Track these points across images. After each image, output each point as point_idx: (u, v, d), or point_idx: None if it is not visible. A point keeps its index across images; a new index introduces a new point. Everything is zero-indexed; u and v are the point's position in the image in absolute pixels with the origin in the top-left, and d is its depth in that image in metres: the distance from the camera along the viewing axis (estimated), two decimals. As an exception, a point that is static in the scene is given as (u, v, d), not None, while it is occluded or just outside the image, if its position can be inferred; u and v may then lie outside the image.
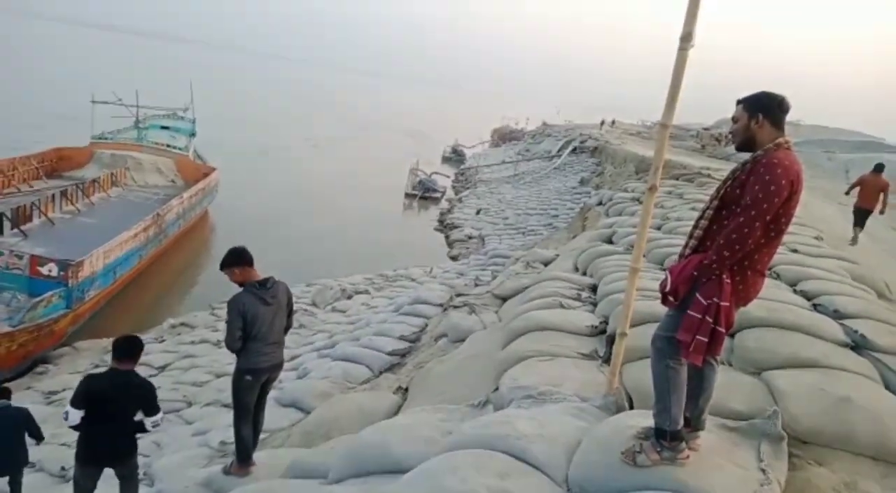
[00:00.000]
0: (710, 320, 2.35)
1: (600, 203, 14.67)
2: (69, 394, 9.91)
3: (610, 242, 8.37)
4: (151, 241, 17.32)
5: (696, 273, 2.41)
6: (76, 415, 4.10)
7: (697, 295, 2.39)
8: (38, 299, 11.60)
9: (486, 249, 19.38)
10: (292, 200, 28.98)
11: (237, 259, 4.40)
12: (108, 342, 12.58)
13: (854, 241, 8.95)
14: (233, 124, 47.56)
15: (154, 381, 10.03)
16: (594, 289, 5.92)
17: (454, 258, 21.02)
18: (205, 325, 12.86)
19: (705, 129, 39.31)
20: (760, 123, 2.42)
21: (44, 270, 12.39)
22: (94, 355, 12.08)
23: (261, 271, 4.52)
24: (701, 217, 2.55)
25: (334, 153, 47.35)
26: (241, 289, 4.38)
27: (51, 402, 9.53)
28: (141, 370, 10.91)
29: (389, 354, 7.71)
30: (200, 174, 23.60)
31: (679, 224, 8.13)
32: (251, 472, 4.42)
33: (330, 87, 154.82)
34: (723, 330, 2.37)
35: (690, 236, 2.57)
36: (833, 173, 22.89)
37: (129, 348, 4.32)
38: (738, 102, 2.51)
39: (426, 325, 8.65)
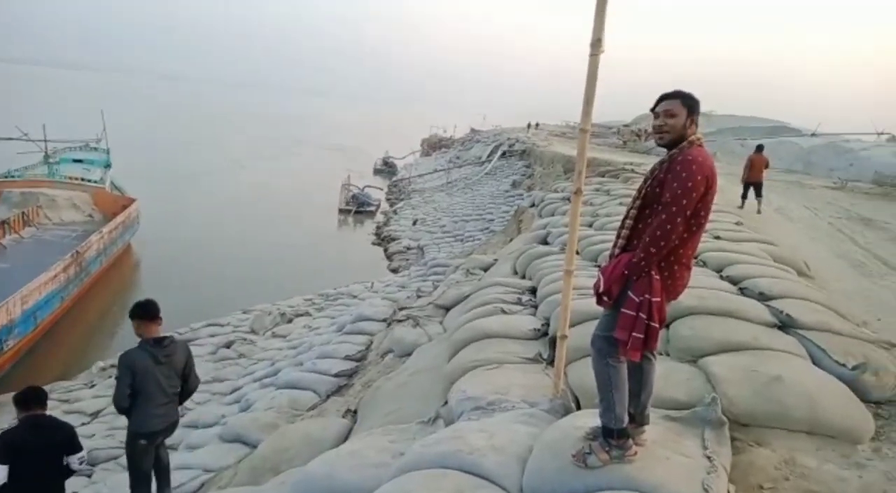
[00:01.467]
0: (644, 317, 2.39)
1: (533, 205, 14.91)
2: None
3: (545, 242, 8.50)
4: (72, 281, 16.38)
5: (626, 272, 2.46)
6: (2, 472, 3.85)
7: (630, 293, 2.43)
8: (-52, 354, 10.77)
9: (425, 259, 19.37)
10: (221, 225, 28.05)
11: (135, 311, 4.45)
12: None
13: (742, 206, 10.96)
14: (155, 152, 45.82)
15: (88, 428, 9.51)
16: (534, 291, 5.97)
17: (394, 271, 20.89)
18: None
19: (625, 125, 40.88)
20: (694, 121, 2.50)
21: (-47, 322, 11.51)
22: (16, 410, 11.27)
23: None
24: (626, 217, 2.61)
25: (263, 174, 46.21)
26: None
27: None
28: (73, 418, 10.32)
29: (335, 376, 7.54)
30: (119, 207, 22.52)
31: (609, 220, 8.35)
32: None
33: (259, 107, 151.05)
34: (656, 325, 2.42)
35: (618, 236, 2.63)
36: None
37: (37, 395, 4.25)
38: (674, 97, 2.51)
39: (371, 342, 8.52)
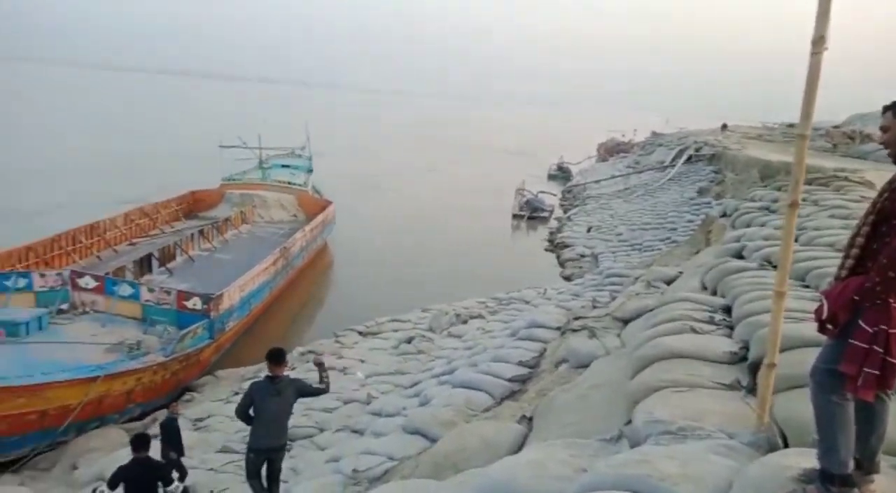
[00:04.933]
0: (880, 350, 2.11)
1: (724, 215, 13.82)
2: (214, 421, 10.61)
3: (740, 256, 7.82)
4: (280, 273, 18.46)
5: (857, 297, 2.18)
6: None
7: (860, 322, 2.16)
8: (185, 330, 12.64)
9: (600, 268, 18.82)
10: (403, 226, 29.93)
11: (267, 357, 5.77)
12: (245, 370, 13.45)
13: None
14: (343, 158, 49.98)
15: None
16: (728, 310, 5.52)
17: (567, 278, 20.58)
18: (330, 352, 13.43)
19: (835, 126, 36.05)
20: None
21: (189, 304, 13.53)
22: (232, 383, 12.95)
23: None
24: (856, 234, 2.31)
25: (440, 179, 48.37)
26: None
27: (197, 428, 10.28)
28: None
29: (510, 380, 7.61)
30: (319, 208, 25.00)
31: (817, 234, 7.46)
32: None
33: (427, 115, 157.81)
34: (895, 361, 2.12)
35: (846, 256, 2.33)
36: None
37: (144, 442, 5.76)
38: (887, 109, 2.27)
39: (545, 349, 8.48)
